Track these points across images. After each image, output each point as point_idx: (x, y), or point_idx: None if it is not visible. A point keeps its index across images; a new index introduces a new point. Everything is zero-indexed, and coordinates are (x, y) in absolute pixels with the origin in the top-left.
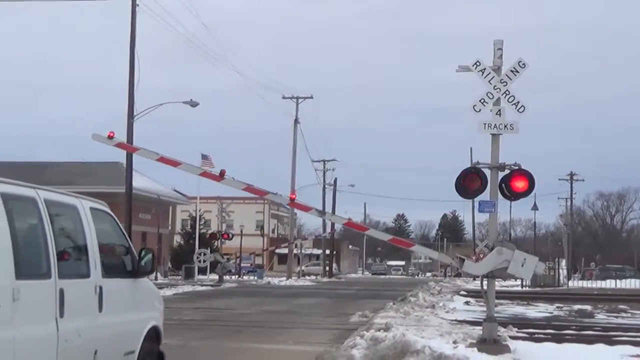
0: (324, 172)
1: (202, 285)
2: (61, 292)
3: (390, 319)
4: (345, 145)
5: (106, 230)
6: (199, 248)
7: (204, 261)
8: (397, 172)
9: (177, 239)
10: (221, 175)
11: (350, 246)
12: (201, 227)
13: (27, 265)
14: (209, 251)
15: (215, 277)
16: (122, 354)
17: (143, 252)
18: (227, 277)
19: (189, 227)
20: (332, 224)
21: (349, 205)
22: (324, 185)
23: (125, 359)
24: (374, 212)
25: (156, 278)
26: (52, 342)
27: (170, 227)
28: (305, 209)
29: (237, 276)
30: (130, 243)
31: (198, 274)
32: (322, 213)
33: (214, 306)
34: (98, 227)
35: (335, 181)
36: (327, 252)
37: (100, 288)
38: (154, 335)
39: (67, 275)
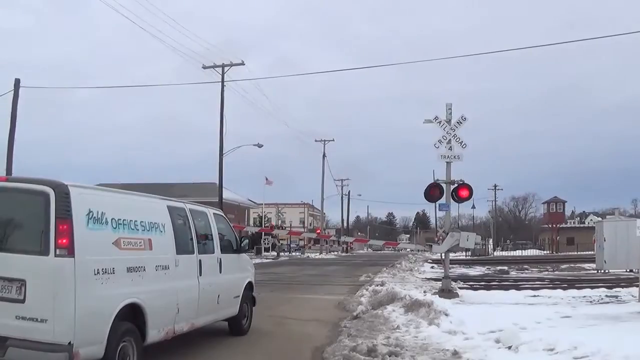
0: (342, 187)
1: (266, 259)
2: (200, 262)
3: (385, 278)
4: (357, 168)
5: (222, 226)
6: (264, 235)
7: (267, 243)
8: (389, 185)
9: (251, 230)
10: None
11: (359, 233)
12: (266, 223)
13: (182, 246)
14: (270, 237)
15: (274, 253)
16: (232, 297)
17: (242, 239)
18: (282, 254)
19: (258, 222)
20: (347, 220)
21: (357, 208)
22: (342, 195)
23: (234, 300)
24: (374, 212)
25: None
26: (196, 289)
27: (246, 223)
28: (327, 236)
29: (288, 252)
30: (235, 233)
31: (264, 252)
32: (339, 235)
33: (274, 272)
34: (218, 224)
35: (349, 193)
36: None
37: (220, 259)
38: (249, 286)
39: (203, 252)
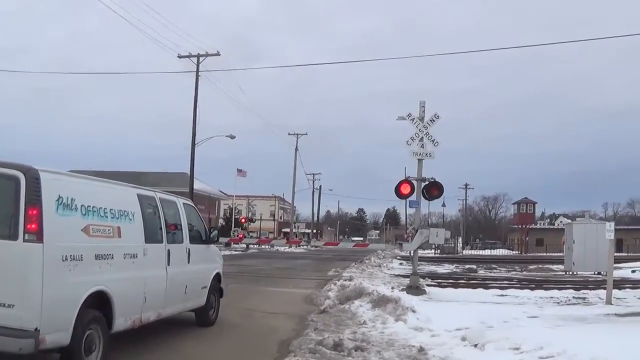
0: (313, 181)
1: (235, 251)
2: (168, 251)
3: (353, 273)
4: (328, 163)
5: (192, 216)
6: (234, 227)
7: (237, 235)
8: (360, 181)
9: (221, 222)
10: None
11: (329, 228)
12: (235, 214)
13: (151, 235)
14: (240, 229)
15: (243, 245)
16: (200, 288)
17: (212, 229)
18: (251, 246)
19: (228, 214)
20: (317, 214)
21: (328, 202)
22: (313, 190)
23: (202, 291)
24: (345, 207)
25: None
26: (164, 278)
27: (216, 214)
28: (297, 242)
29: (257, 245)
30: (205, 224)
31: (233, 244)
32: (309, 241)
33: (243, 264)
34: (187, 214)
35: (320, 187)
36: (314, 231)
37: (189, 250)
38: (217, 277)
39: (172, 241)
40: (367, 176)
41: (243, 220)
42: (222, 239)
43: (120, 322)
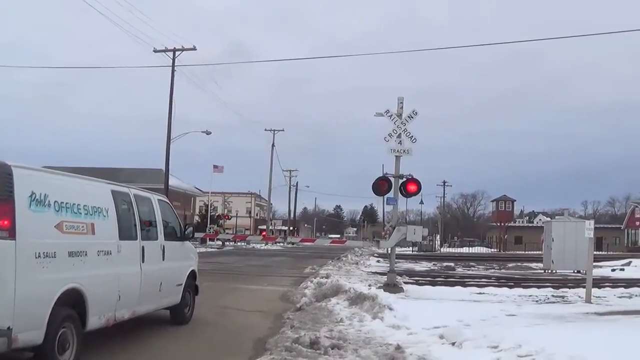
0: (290, 178)
1: (211, 248)
2: (143, 248)
3: (330, 271)
4: (305, 159)
5: (166, 213)
6: (209, 224)
7: (213, 232)
8: (338, 177)
9: (196, 218)
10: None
11: (305, 225)
12: (211, 211)
13: (125, 231)
14: (215, 226)
15: (219, 243)
16: (175, 285)
17: (187, 226)
18: (227, 243)
19: (204, 211)
20: (294, 211)
21: (305, 200)
22: (290, 186)
23: (177, 288)
24: (321, 204)
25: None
26: (138, 275)
27: (192, 211)
28: (273, 238)
29: (233, 242)
30: (179, 220)
31: (209, 240)
32: (285, 237)
33: (218, 261)
34: (162, 210)
35: (297, 184)
36: (291, 228)
37: (163, 247)
38: (192, 275)
39: (146, 238)
40: (344, 173)
41: (226, 216)
42: (197, 235)
43: (94, 320)
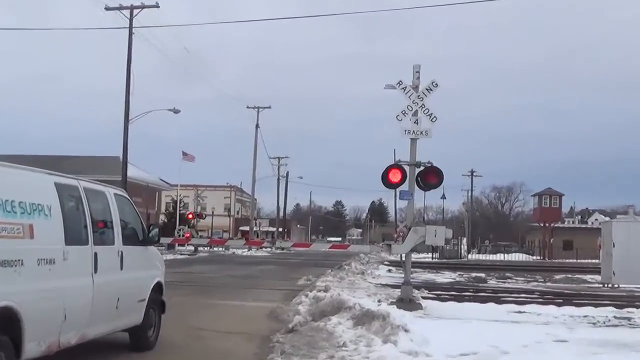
0: (279, 167)
1: (181, 254)
2: (95, 255)
3: (329, 282)
4: (296, 145)
5: (125, 211)
6: (179, 225)
7: (182, 235)
8: (337, 166)
9: (162, 218)
10: None
11: (298, 225)
12: (181, 208)
13: (72, 234)
14: (186, 227)
15: (191, 248)
16: (136, 301)
17: (151, 227)
18: (200, 248)
19: (171, 208)
20: (284, 208)
21: (298, 193)
22: (279, 177)
23: (138, 305)
24: (318, 199)
25: None
26: (89, 289)
27: (156, 208)
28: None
29: (209, 247)
30: (142, 220)
31: (178, 246)
32: (273, 241)
33: (190, 271)
34: (119, 207)
35: (287, 174)
36: (280, 229)
37: (121, 253)
38: (158, 288)
39: (100, 242)
40: (346, 161)
41: (190, 216)
42: (164, 239)
43: (32, 347)
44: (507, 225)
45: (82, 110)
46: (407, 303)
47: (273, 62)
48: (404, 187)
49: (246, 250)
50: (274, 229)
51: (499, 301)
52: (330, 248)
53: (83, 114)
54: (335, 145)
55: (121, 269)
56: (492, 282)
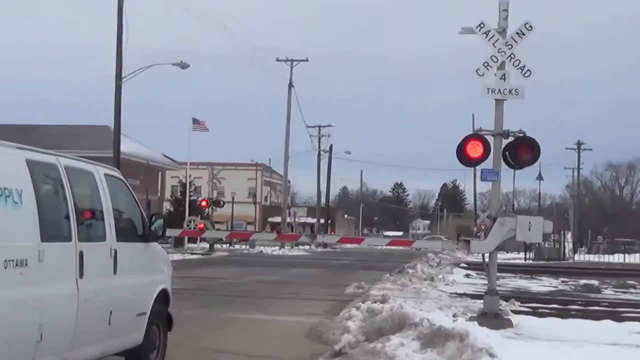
0: (319, 138)
1: (192, 254)
2: (80, 254)
3: (387, 290)
4: (342, 112)
5: (119, 196)
6: (189, 215)
7: (194, 229)
8: (396, 139)
9: (167, 206)
10: None
11: (345, 215)
12: (191, 193)
13: (51, 228)
14: (199, 218)
15: (205, 245)
16: (134, 315)
17: (154, 217)
18: (218, 246)
19: (179, 193)
20: (327, 193)
21: (345, 173)
22: (319, 152)
23: (137, 320)
24: (371, 181)
25: None
26: (73, 301)
27: (159, 194)
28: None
29: (228, 244)
30: (142, 209)
31: (188, 242)
32: (312, 236)
33: (205, 275)
34: (112, 192)
35: (330, 147)
36: (322, 221)
37: (115, 251)
38: (163, 298)
39: (86, 238)
40: (408, 132)
41: (204, 203)
42: (170, 233)
43: None
44: (628, 215)
45: (61, 67)
46: (492, 319)
47: (308, 4)
48: (487, 164)
49: (277, 247)
50: (313, 220)
51: (618, 318)
52: (388, 245)
53: (61, 72)
54: (392, 111)
55: (115, 272)
56: (609, 293)
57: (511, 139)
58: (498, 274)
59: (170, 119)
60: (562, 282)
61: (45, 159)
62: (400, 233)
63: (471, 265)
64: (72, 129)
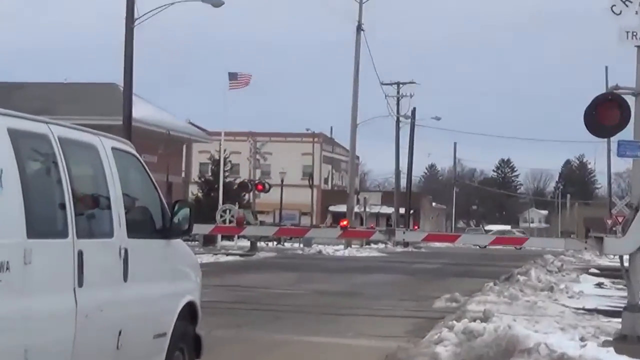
0: (398, 100)
1: (227, 255)
2: (80, 255)
3: (491, 304)
4: (429, 65)
5: (131, 178)
6: (223, 203)
7: (231, 221)
8: (499, 101)
9: (194, 190)
10: None
11: (433, 203)
12: (227, 174)
13: (40, 220)
14: (236, 207)
15: (245, 243)
16: (150, 337)
17: (177, 206)
18: (262, 244)
19: (210, 174)
20: (409, 173)
21: (432, 145)
22: (398, 118)
23: (155, 343)
24: (468, 156)
25: None
26: (70, 317)
27: (184, 174)
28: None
29: (276, 242)
30: (161, 194)
31: (222, 239)
32: (390, 232)
33: (244, 283)
34: (122, 173)
35: (413, 112)
36: (402, 211)
37: (126, 251)
38: (189, 313)
39: (87, 233)
40: (518, 90)
41: (244, 186)
42: (198, 229)
43: None
44: None
45: (52, 8)
46: (634, 344)
47: None
48: (626, 134)
49: (342, 247)
50: (389, 210)
51: None
52: (491, 244)
53: (57, 11)
54: (497, 65)
55: (125, 279)
56: None
57: None
58: None
59: (198, 76)
60: None
61: (33, 128)
62: (508, 227)
63: (604, 271)
64: (70, 88)
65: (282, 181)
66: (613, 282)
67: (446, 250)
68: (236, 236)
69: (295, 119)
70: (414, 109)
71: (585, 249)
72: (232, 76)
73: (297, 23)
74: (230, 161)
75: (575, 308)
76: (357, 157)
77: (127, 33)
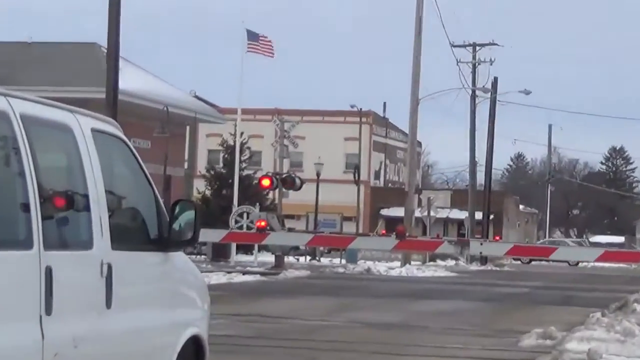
0: (475, 67)
1: (244, 274)
2: (48, 271)
3: (598, 342)
4: (513, 24)
5: (117, 169)
6: (239, 204)
7: (250, 228)
8: (610, 71)
9: (200, 187)
10: None
11: (521, 206)
12: (244, 165)
13: None
14: (257, 210)
15: (269, 258)
16: None
17: (178, 208)
18: (290, 259)
19: (222, 164)
20: (489, 165)
21: (520, 127)
22: (474, 92)
23: None
24: (566, 143)
25: None
26: (34, 356)
27: (187, 165)
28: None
29: (309, 257)
30: (157, 191)
31: (237, 252)
32: (462, 244)
33: (267, 312)
34: (105, 163)
35: (494, 84)
36: (479, 215)
37: (109, 267)
38: (193, 351)
39: (58, 244)
40: (630, 59)
41: (267, 182)
42: (206, 235)
43: None
44: None
45: None
46: None
47: None
48: None
49: (398, 263)
50: (462, 215)
51: None
52: (599, 260)
53: None
54: (603, 23)
55: (108, 305)
56: None
57: None
58: None
59: (209, 39)
60: None
61: None
62: (622, 239)
63: None
64: (36, 50)
65: (318, 175)
66: None
67: (537, 269)
68: (256, 247)
69: (335, 95)
70: (496, 79)
71: None
72: (252, 36)
73: None
74: (249, 148)
75: None
76: (419, 144)
77: None
